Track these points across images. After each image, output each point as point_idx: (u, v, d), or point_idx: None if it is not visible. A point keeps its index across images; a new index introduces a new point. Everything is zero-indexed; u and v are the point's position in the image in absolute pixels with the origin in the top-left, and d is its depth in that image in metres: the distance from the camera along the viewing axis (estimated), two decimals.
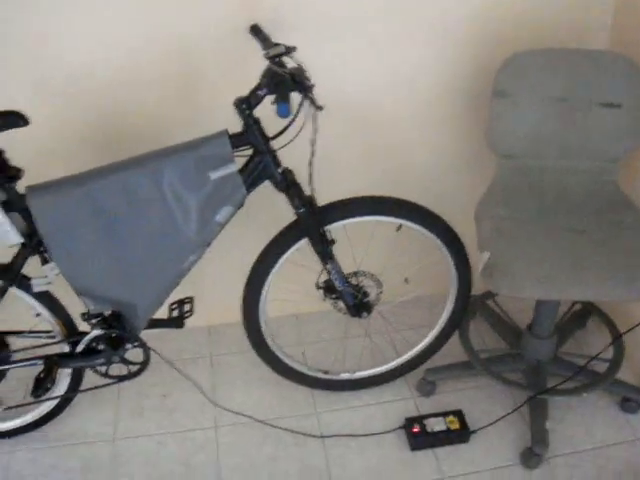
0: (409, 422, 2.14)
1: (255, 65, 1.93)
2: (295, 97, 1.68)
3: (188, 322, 2.10)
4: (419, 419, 2.14)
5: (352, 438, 2.15)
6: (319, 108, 1.67)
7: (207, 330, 2.63)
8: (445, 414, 2.15)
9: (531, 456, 2.01)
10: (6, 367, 2.04)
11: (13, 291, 1.92)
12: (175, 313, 2.11)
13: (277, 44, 1.80)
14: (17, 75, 2.03)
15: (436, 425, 2.12)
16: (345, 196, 1.95)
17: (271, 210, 2.10)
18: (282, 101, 1.62)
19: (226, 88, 2.07)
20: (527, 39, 2.17)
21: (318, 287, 2.09)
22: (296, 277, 2.09)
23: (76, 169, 1.80)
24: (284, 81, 1.63)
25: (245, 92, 1.72)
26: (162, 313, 2.04)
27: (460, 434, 2.11)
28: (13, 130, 1.68)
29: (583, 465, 2.03)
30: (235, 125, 1.77)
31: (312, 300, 2.19)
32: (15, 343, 2.06)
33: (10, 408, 2.12)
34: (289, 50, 1.76)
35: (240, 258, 2.23)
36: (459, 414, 2.15)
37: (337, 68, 2.11)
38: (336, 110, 1.78)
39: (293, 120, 1.75)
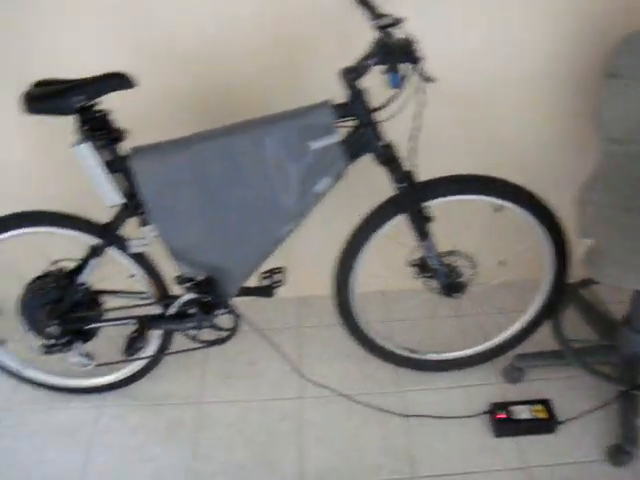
0: (494, 407, 2.10)
1: (360, 35, 1.93)
2: (402, 69, 1.65)
3: (277, 292, 2.10)
4: (505, 405, 2.10)
5: (436, 419, 2.12)
6: (430, 80, 1.63)
7: (296, 301, 2.64)
8: (532, 402, 2.10)
9: (619, 453, 1.94)
10: (99, 325, 2.09)
11: (110, 251, 1.97)
12: (265, 282, 2.11)
13: (385, 14, 1.77)
14: (125, 39, 2.06)
15: (522, 413, 2.07)
16: (442, 174, 1.91)
17: (367, 184, 2.09)
18: (394, 72, 1.58)
19: (329, 58, 2.06)
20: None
21: (410, 264, 2.06)
22: (387, 253, 2.07)
23: (177, 134, 1.82)
24: (396, 51, 1.59)
25: (349, 62, 1.70)
26: (253, 281, 2.06)
27: (546, 424, 2.05)
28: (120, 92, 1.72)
29: None
30: (336, 96, 1.74)
31: (400, 278, 2.17)
32: (108, 302, 2.11)
33: (101, 365, 2.18)
34: (398, 21, 1.72)
35: (332, 230, 2.23)
36: (546, 404, 2.09)
37: (440, 42, 2.06)
38: (437, 85, 1.73)
39: (399, 92, 1.72)
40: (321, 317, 2.56)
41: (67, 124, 1.77)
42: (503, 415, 2.07)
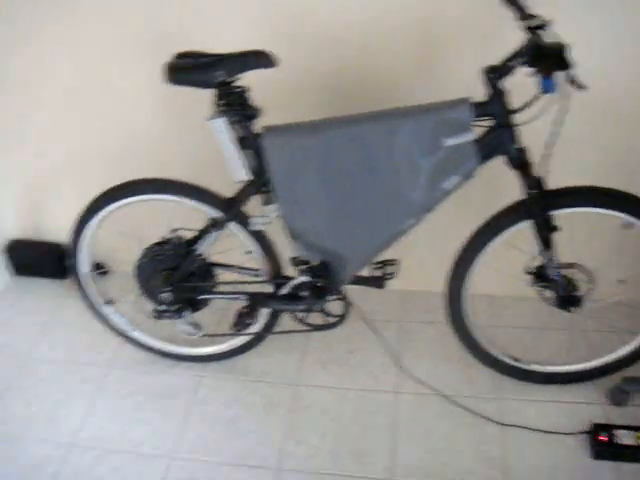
0: (596, 428, 2.03)
1: (502, 35, 1.90)
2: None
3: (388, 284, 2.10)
4: (608, 427, 2.03)
5: (533, 432, 2.08)
6: (582, 87, 1.58)
7: (400, 294, 2.62)
8: (637, 429, 2.03)
9: None
10: (211, 297, 2.14)
11: (231, 226, 2.01)
12: (377, 273, 2.11)
13: (534, 15, 1.73)
14: (267, 18, 2.09)
15: (626, 438, 2.00)
16: (571, 184, 1.87)
17: (490, 186, 2.06)
18: (547, 76, 1.55)
19: (469, 55, 2.05)
20: None
21: (527, 272, 2.02)
22: (503, 258, 2.04)
23: (308, 117, 1.83)
24: (549, 55, 1.55)
25: (487, 62, 1.67)
26: (364, 271, 2.06)
27: None
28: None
29: None
30: (468, 94, 1.71)
31: (513, 284, 2.14)
32: (221, 276, 2.16)
33: (207, 335, 2.23)
34: (547, 23, 1.68)
35: (444, 228, 2.22)
36: None
37: (583, 49, 2.01)
38: (578, 92, 1.69)
39: (538, 96, 1.68)
40: (425, 313, 2.54)
41: (201, 97, 1.82)
42: (605, 437, 2.00)
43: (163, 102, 2.29)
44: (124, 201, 2.05)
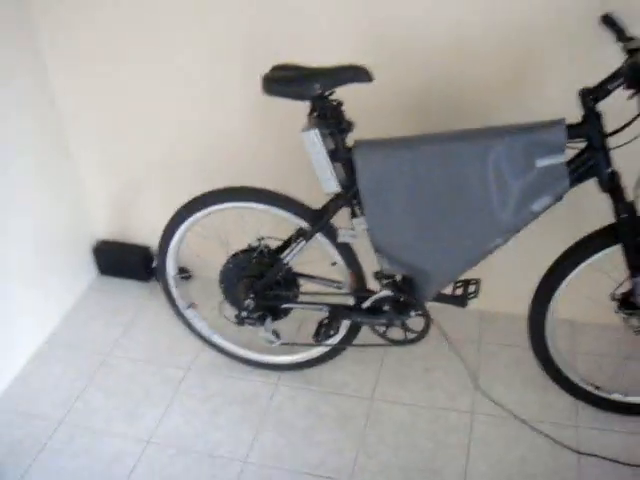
0: None
1: (599, 57, 1.90)
2: None
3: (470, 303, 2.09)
4: None
5: (611, 463, 2.03)
6: None
7: (479, 314, 2.60)
8: None
9: None
10: (293, 306, 2.18)
11: (318, 237, 2.04)
12: (459, 291, 2.11)
13: (633, 37, 1.72)
14: (362, 33, 2.13)
15: None
16: None
17: (578, 208, 2.04)
18: None
19: (556, 76, 2.05)
20: None
21: (614, 298, 1.99)
22: (589, 283, 2.01)
23: (398, 133, 1.86)
24: None
25: (581, 84, 1.67)
26: (447, 289, 2.07)
27: None
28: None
29: None
30: (553, 115, 1.71)
31: (595, 310, 2.11)
32: (305, 286, 2.20)
33: (286, 344, 2.26)
34: None
35: (530, 250, 2.20)
36: None
37: None
38: None
39: (635, 119, 1.67)
40: (504, 335, 2.51)
41: (293, 108, 1.87)
42: None
43: (256, 112, 2.35)
44: (214, 207, 2.10)
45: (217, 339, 2.40)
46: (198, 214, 2.12)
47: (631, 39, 1.71)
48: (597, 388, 2.16)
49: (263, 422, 2.22)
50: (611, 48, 1.75)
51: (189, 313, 2.37)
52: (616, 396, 2.16)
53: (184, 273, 2.46)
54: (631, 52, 1.64)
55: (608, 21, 1.85)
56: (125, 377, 2.42)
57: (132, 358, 2.50)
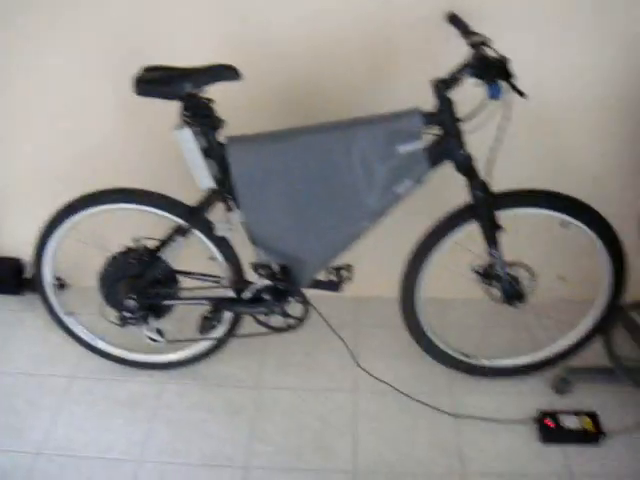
0: (543, 415, 2.18)
1: (445, 50, 2.07)
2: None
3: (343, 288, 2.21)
4: (553, 414, 2.18)
5: (485, 422, 2.21)
6: (523, 95, 1.74)
7: (353, 301, 2.75)
8: (580, 413, 2.19)
9: None
10: (175, 302, 2.21)
11: (195, 233, 2.08)
12: (333, 277, 2.21)
13: (477, 33, 1.89)
14: (222, 34, 2.20)
15: (570, 422, 2.16)
16: (511, 187, 2.02)
17: (438, 191, 2.20)
18: (494, 84, 1.70)
19: (412, 69, 2.21)
20: None
21: (474, 271, 2.16)
22: (452, 261, 2.17)
23: (269, 128, 1.94)
24: (494, 66, 1.71)
25: (433, 75, 1.82)
26: (321, 276, 2.17)
27: (592, 436, 2.13)
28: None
29: None
30: (412, 104, 1.86)
31: (459, 286, 2.29)
32: (185, 282, 2.23)
33: (171, 342, 2.29)
34: (489, 40, 1.84)
35: (395, 235, 2.33)
36: (594, 416, 2.17)
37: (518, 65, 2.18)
38: (516, 104, 1.86)
39: (485, 105, 1.83)
40: (377, 318, 2.67)
41: (163, 109, 1.90)
42: (551, 423, 2.15)
43: (127, 114, 2.37)
44: (88, 211, 2.10)
45: (100, 344, 2.39)
46: (73, 219, 2.12)
47: (475, 34, 1.87)
48: (467, 356, 2.35)
49: (154, 421, 2.24)
50: (458, 42, 1.91)
51: (70, 321, 2.34)
52: (484, 362, 2.35)
53: (59, 281, 2.43)
54: (475, 46, 1.80)
55: (453, 19, 2.02)
56: (6, 393, 2.36)
57: (12, 372, 2.43)
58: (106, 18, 2.19)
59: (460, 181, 1.94)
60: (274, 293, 2.14)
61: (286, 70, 2.25)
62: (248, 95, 2.24)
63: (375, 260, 2.54)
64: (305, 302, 2.16)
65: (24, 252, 2.76)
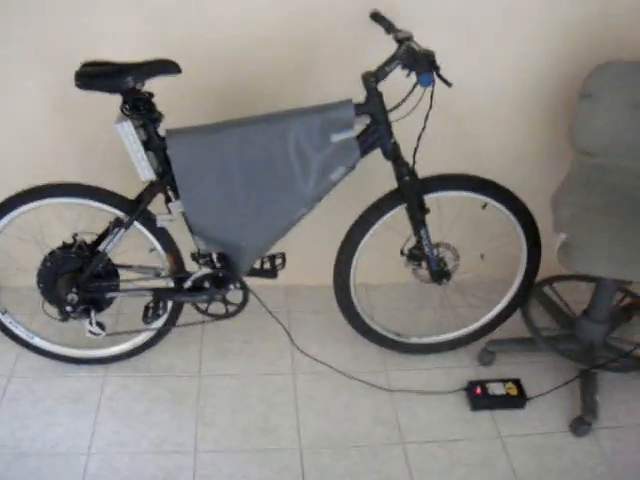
0: (472, 384, 2.35)
1: (369, 47, 2.19)
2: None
3: (267, 280, 2.30)
4: (481, 382, 2.35)
5: (418, 394, 2.36)
6: (449, 85, 1.88)
7: (284, 289, 2.85)
8: (505, 381, 2.36)
9: (581, 424, 2.21)
10: (116, 295, 2.23)
11: (136, 225, 2.12)
12: (268, 265, 2.30)
13: (400, 29, 2.02)
14: (157, 33, 2.26)
15: (496, 389, 2.33)
16: (434, 173, 2.17)
17: (359, 179, 2.32)
18: (425, 73, 1.84)
19: (340, 64, 2.32)
20: (613, 51, 2.37)
21: (402, 253, 2.29)
22: (382, 246, 2.30)
23: (206, 121, 2.00)
24: (422, 58, 1.85)
25: (360, 70, 1.94)
26: (256, 264, 2.25)
27: (517, 400, 2.32)
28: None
29: (627, 439, 2.23)
30: (341, 97, 1.96)
31: (388, 270, 2.42)
32: (125, 274, 2.26)
33: (111, 334, 2.31)
34: (412, 36, 1.97)
35: (327, 222, 2.44)
36: (517, 382, 2.36)
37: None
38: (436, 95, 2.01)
39: (408, 95, 1.97)
40: (309, 304, 2.78)
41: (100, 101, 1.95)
42: (479, 391, 2.32)
43: (63, 108, 2.37)
44: (26, 207, 2.10)
45: (38, 341, 2.38)
46: (10, 215, 2.11)
47: (399, 31, 2.01)
48: (398, 335, 2.49)
49: (99, 413, 2.25)
50: (382, 38, 2.03)
51: (5, 319, 2.33)
52: (414, 339, 2.50)
53: None
54: (401, 41, 1.93)
55: (377, 17, 2.15)
56: None
57: None
58: (43, 18, 2.21)
59: (388, 167, 2.08)
60: (214, 281, 2.21)
61: (222, 66, 2.33)
62: (188, 89, 2.30)
63: (306, 248, 2.64)
64: (244, 289, 2.23)
65: None
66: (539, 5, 2.30)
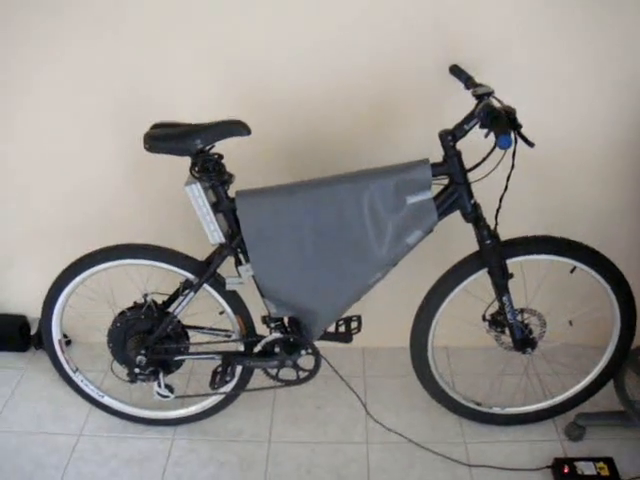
0: (558, 462, 2.16)
1: (449, 102, 2.11)
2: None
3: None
4: (569, 461, 2.16)
5: (500, 470, 2.19)
6: (531, 144, 1.76)
7: (361, 351, 2.74)
8: (596, 460, 2.16)
9: None
10: (187, 357, 2.19)
11: (206, 287, 2.08)
12: (342, 329, 2.21)
13: (481, 84, 1.91)
14: (228, 90, 2.23)
15: (586, 469, 2.13)
16: (518, 235, 2.04)
17: (445, 241, 2.21)
18: (504, 134, 1.71)
19: (417, 121, 2.23)
20: None
21: (484, 319, 2.16)
22: (462, 309, 2.18)
23: (278, 182, 1.95)
24: (501, 116, 1.73)
25: (437, 127, 1.85)
26: (330, 327, 2.17)
27: None
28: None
29: None
30: (418, 156, 1.88)
31: (469, 334, 2.29)
32: (195, 337, 2.22)
33: (180, 397, 2.26)
34: (492, 91, 1.87)
35: (405, 284, 2.34)
36: (610, 462, 2.15)
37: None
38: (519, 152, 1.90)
39: (489, 154, 1.85)
40: (386, 368, 2.65)
41: (171, 164, 1.93)
42: (567, 470, 2.13)
43: (133, 170, 2.38)
44: (97, 268, 2.10)
45: (108, 400, 2.36)
46: (82, 275, 2.11)
47: (479, 85, 1.90)
48: (478, 404, 2.33)
49: (164, 478, 2.20)
50: (462, 94, 1.93)
51: (77, 377, 2.32)
52: (496, 409, 2.34)
53: (65, 338, 2.41)
54: (480, 97, 1.82)
55: (456, 71, 2.05)
56: (12, 452, 2.31)
57: (17, 431, 2.39)
58: (111, 77, 2.22)
59: (467, 229, 1.96)
60: (285, 346, 2.13)
61: (294, 126, 2.27)
62: (258, 150, 2.26)
63: (383, 310, 2.53)
64: (316, 354, 2.14)
65: (29, 309, 2.76)
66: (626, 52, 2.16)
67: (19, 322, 2.73)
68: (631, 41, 2.11)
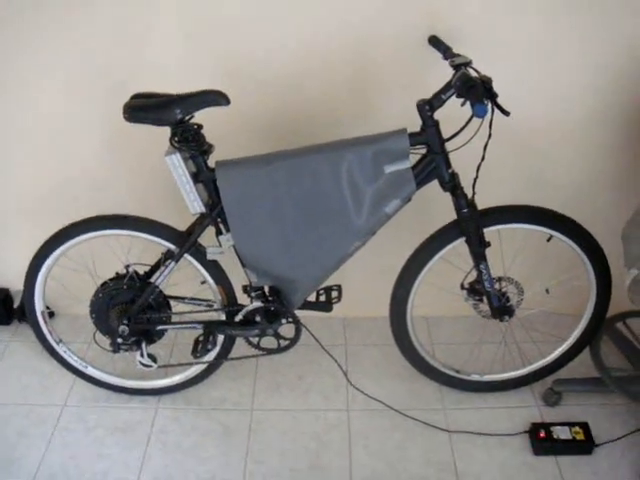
0: (535, 427, 2.21)
1: (427, 72, 2.13)
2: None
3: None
4: (546, 425, 2.21)
5: (478, 436, 2.24)
6: (507, 114, 1.78)
7: (342, 321, 2.77)
8: (571, 424, 2.21)
9: None
10: (169, 327, 2.21)
11: (187, 257, 2.10)
12: (323, 298, 2.24)
13: (459, 54, 1.93)
14: (209, 64, 2.23)
15: (562, 433, 2.18)
16: (496, 204, 2.07)
17: (422, 210, 2.24)
18: (479, 103, 1.73)
19: (395, 91, 2.24)
20: None
21: (462, 287, 2.19)
22: (438, 278, 2.20)
23: (257, 152, 1.96)
24: (477, 86, 1.74)
25: (416, 96, 1.86)
26: (311, 297, 2.19)
27: (584, 446, 2.17)
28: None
29: None
30: (396, 126, 1.89)
31: (448, 303, 2.32)
32: (177, 307, 2.23)
33: (163, 367, 2.29)
34: (470, 62, 1.88)
35: (383, 254, 2.37)
36: (585, 426, 2.21)
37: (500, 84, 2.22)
38: (497, 123, 1.91)
39: (467, 124, 1.87)
40: (367, 337, 2.69)
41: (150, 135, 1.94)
42: (544, 434, 2.18)
43: (112, 140, 2.37)
44: (79, 239, 2.11)
45: (91, 371, 2.38)
46: (64, 246, 2.12)
47: (457, 55, 1.92)
48: (457, 372, 2.37)
49: (149, 446, 2.23)
50: (440, 64, 1.95)
51: (61, 348, 2.34)
52: (474, 377, 2.38)
53: (48, 310, 2.42)
54: (457, 67, 1.84)
55: (434, 42, 2.07)
56: None
57: (1, 403, 2.41)
58: (90, 48, 2.21)
59: (445, 198, 1.99)
60: (266, 315, 2.16)
61: (274, 95, 2.28)
62: (237, 120, 2.26)
63: (363, 280, 2.56)
64: (297, 323, 2.17)
65: (12, 282, 2.77)
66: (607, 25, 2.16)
67: (2, 295, 2.74)
68: (612, 13, 2.12)
